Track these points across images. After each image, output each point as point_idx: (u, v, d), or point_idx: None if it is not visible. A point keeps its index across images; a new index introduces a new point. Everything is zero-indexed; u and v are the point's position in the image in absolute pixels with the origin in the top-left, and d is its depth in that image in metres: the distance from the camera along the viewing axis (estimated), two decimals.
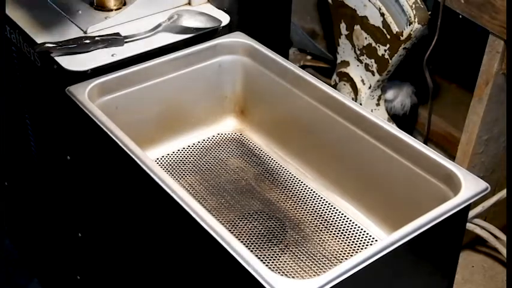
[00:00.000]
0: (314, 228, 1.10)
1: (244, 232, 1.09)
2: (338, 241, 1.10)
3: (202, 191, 1.18)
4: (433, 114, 1.87)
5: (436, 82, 1.75)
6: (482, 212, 1.66)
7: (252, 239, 1.09)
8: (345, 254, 1.08)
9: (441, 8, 1.57)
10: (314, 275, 0.98)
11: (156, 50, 1.23)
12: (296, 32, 2.22)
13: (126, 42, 1.22)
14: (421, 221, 0.91)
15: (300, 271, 1.01)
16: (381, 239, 1.08)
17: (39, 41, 1.20)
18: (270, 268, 0.85)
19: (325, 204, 1.17)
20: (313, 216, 1.13)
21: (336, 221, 1.14)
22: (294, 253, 1.05)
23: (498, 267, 1.76)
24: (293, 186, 1.20)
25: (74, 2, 1.33)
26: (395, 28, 1.76)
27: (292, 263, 1.02)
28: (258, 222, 1.11)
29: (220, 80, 1.29)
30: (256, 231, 1.10)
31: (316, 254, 1.05)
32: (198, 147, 1.29)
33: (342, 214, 1.14)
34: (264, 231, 1.09)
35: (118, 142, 1.03)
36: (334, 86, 2.03)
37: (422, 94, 2.01)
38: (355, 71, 1.97)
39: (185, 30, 1.27)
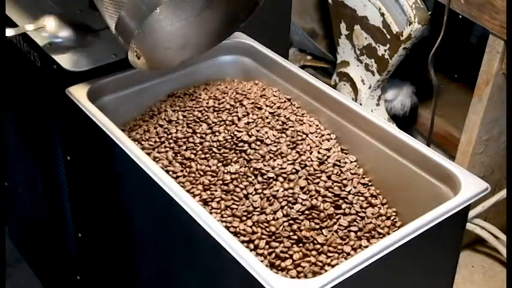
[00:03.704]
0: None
1: None
2: None
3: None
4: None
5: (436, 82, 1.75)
6: (482, 212, 1.66)
7: None
8: None
9: (447, 8, 1.58)
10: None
11: None
12: (296, 32, 2.23)
13: None
14: (421, 221, 0.91)
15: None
16: None
17: (39, 41, 1.21)
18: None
19: None
20: None
21: None
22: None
23: (498, 267, 1.76)
24: None
25: (74, 1, 1.33)
26: (395, 28, 1.76)
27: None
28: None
29: (221, 80, 1.29)
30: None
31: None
32: None
33: None
34: None
35: (118, 142, 1.03)
36: (334, 86, 2.03)
37: (422, 94, 2.01)
38: (355, 71, 1.97)
39: None
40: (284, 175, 1.06)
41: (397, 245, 0.88)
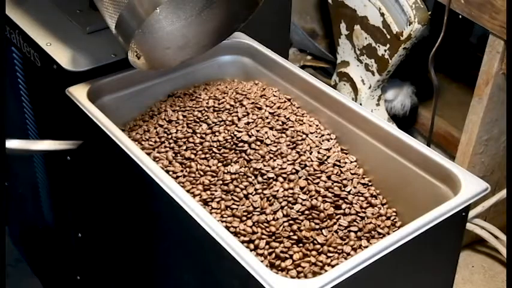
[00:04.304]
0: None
1: None
2: None
3: None
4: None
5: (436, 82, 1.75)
6: (482, 212, 1.66)
7: None
8: None
9: (447, 8, 1.58)
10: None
11: None
12: (296, 32, 2.23)
13: None
14: (421, 221, 0.91)
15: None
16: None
17: (39, 41, 1.21)
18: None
19: None
20: None
21: None
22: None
23: (498, 267, 1.76)
24: None
25: (74, 1, 1.33)
26: (395, 28, 1.76)
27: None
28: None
29: (221, 80, 1.29)
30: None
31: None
32: None
33: None
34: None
35: (118, 142, 1.03)
36: (334, 86, 2.03)
37: (422, 94, 2.01)
38: (355, 71, 1.97)
39: None
40: (284, 175, 1.06)
41: (397, 245, 0.88)
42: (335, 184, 1.07)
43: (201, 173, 1.07)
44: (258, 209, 1.01)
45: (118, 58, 1.18)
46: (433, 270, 1.02)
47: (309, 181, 1.06)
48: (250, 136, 1.11)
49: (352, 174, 1.10)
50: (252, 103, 1.18)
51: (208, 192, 1.05)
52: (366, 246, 1.00)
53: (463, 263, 1.74)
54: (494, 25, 1.46)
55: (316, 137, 1.15)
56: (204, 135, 1.12)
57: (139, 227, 1.14)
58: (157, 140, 1.13)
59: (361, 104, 1.91)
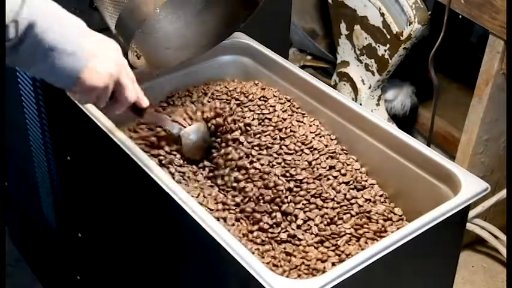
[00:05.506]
0: None
1: None
2: None
3: None
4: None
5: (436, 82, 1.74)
6: (482, 212, 1.66)
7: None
8: None
9: (447, 8, 1.58)
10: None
11: None
12: (296, 32, 2.23)
13: None
14: (421, 221, 0.91)
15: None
16: None
17: None
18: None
19: None
20: None
21: None
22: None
23: (498, 267, 1.76)
24: None
25: (74, 1, 1.32)
26: (395, 28, 1.76)
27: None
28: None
29: (221, 80, 1.29)
30: None
31: None
32: None
33: None
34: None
35: (118, 142, 1.03)
36: (334, 86, 2.03)
37: (422, 94, 2.01)
38: (355, 71, 1.97)
39: None
40: None
41: (397, 245, 0.88)
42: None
43: None
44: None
45: None
46: (434, 270, 1.02)
47: None
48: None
49: None
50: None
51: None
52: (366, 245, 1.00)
53: (463, 263, 1.74)
54: (494, 25, 1.46)
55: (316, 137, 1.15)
56: None
57: (138, 226, 1.14)
58: None
59: (361, 104, 1.91)
